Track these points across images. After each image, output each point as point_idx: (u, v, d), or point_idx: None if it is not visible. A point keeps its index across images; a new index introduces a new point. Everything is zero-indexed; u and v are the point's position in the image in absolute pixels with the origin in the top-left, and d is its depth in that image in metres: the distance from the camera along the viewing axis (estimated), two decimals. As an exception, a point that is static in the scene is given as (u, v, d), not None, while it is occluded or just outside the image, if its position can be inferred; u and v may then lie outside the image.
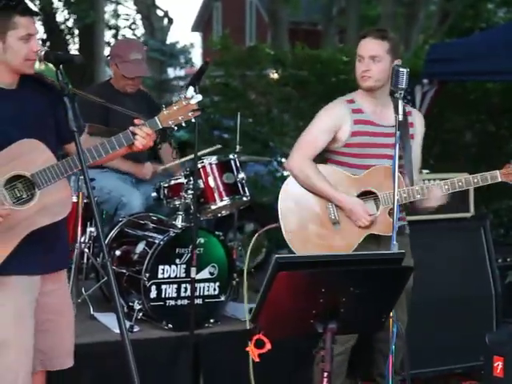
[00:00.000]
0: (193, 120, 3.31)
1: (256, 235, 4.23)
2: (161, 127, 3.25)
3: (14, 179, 3.14)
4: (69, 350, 3.44)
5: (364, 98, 4.09)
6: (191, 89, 3.27)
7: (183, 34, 63.33)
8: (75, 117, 3.07)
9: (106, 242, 4.87)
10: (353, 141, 4.03)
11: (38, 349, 3.30)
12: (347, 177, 4.04)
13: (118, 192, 5.22)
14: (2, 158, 3.11)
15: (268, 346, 2.88)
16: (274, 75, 8.63)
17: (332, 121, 4.04)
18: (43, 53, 3.15)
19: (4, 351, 3.15)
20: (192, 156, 4.86)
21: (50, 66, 3.19)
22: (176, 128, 3.28)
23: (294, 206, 4.04)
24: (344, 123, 4.03)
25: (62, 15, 17.32)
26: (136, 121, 3.25)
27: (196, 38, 31.75)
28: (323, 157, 4.13)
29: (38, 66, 3.38)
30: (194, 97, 3.24)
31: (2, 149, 3.11)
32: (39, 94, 3.28)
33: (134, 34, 20.68)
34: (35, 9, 3.30)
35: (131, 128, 3.23)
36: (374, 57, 4.00)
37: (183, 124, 3.28)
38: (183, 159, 5.25)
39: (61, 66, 3.12)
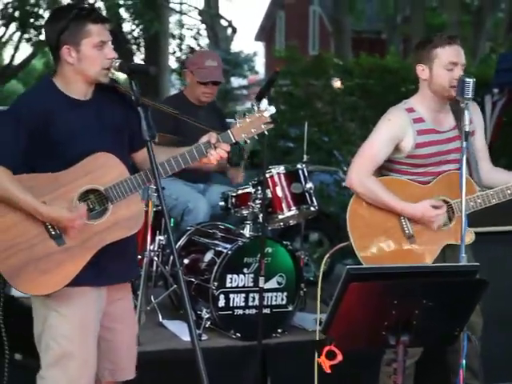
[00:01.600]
0: (266, 132, 3.29)
1: (326, 256, 4.17)
2: (234, 141, 3.23)
3: (88, 192, 3.16)
4: (133, 360, 3.44)
5: (422, 104, 3.95)
6: (265, 101, 3.25)
7: (246, 42, 63.71)
8: (148, 127, 3.09)
9: (175, 250, 4.90)
10: (417, 152, 3.92)
11: (107, 359, 3.32)
12: (417, 188, 3.93)
13: (184, 198, 5.26)
14: (77, 171, 3.14)
15: (339, 358, 2.86)
16: (338, 83, 8.59)
17: (393, 133, 3.90)
18: (117, 64, 3.17)
19: (68, 363, 3.18)
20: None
21: (117, 75, 3.23)
22: (248, 141, 3.26)
23: (364, 224, 3.91)
24: (406, 134, 3.90)
25: (128, 25, 17.58)
26: (211, 138, 3.21)
27: (259, 47, 31.89)
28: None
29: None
30: (267, 109, 3.22)
31: (78, 160, 3.14)
32: (114, 103, 3.28)
33: (199, 44, 20.84)
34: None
35: (203, 142, 3.20)
36: (463, 65, 3.88)
37: (256, 137, 3.26)
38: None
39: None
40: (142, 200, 4.65)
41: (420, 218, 3.87)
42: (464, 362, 3.54)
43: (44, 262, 3.10)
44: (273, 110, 3.23)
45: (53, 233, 3.12)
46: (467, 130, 3.66)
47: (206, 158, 3.22)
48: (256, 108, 3.23)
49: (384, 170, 4.01)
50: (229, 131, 3.23)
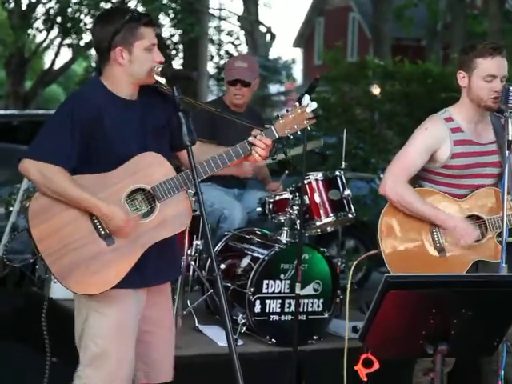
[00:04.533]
0: (308, 128, 3.31)
1: (355, 262, 4.17)
2: (277, 137, 3.25)
3: (135, 192, 3.19)
4: (170, 363, 3.46)
5: (461, 114, 3.91)
6: (306, 97, 3.26)
7: (284, 49, 63.73)
8: (189, 132, 3.11)
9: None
10: (453, 163, 3.89)
11: (142, 361, 3.35)
12: (451, 202, 3.90)
13: (220, 205, 5.26)
14: (125, 171, 3.18)
15: (376, 366, 2.87)
16: (377, 90, 8.54)
17: (430, 142, 3.86)
18: (160, 69, 3.20)
19: (104, 361, 3.21)
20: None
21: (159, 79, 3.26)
22: (291, 137, 3.27)
23: (395, 234, 3.89)
24: (443, 144, 3.87)
25: (167, 31, 17.70)
26: (254, 131, 3.25)
27: (297, 54, 31.93)
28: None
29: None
30: (309, 105, 3.24)
31: (125, 160, 3.17)
32: (157, 104, 3.32)
33: (237, 50, 20.93)
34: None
35: (250, 138, 3.23)
36: (504, 77, 3.84)
37: (298, 133, 3.28)
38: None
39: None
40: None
41: (451, 227, 3.83)
42: (503, 372, 3.50)
43: (94, 262, 3.13)
44: (314, 105, 3.25)
45: (102, 232, 3.15)
46: (510, 138, 3.63)
47: (251, 156, 3.25)
48: (298, 104, 3.25)
49: (419, 179, 3.99)
50: (272, 127, 3.25)
